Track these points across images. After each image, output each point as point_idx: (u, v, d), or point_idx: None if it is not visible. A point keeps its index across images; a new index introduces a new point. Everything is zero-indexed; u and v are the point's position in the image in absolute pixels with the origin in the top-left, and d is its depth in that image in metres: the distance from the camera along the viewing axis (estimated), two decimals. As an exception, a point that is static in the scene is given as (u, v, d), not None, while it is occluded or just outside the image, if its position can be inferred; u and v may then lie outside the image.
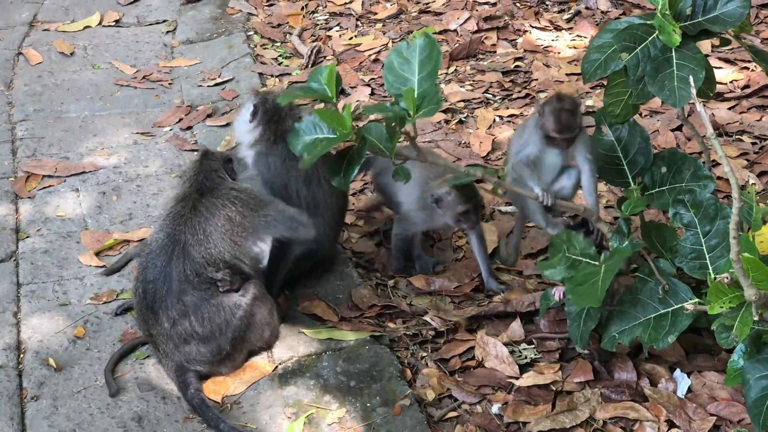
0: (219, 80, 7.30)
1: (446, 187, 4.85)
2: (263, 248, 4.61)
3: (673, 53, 4.21)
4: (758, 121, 6.29)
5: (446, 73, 7.09)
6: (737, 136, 6.15)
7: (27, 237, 5.55)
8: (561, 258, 4.32)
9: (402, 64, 4.26)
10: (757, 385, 3.65)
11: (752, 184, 4.02)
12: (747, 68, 6.79)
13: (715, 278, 4.04)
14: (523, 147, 4.68)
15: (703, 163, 4.53)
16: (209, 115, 6.83)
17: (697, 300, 4.07)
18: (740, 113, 6.38)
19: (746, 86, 6.61)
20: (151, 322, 4.46)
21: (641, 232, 4.48)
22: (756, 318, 3.35)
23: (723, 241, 4.15)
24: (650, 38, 4.27)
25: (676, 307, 4.17)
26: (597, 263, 4.30)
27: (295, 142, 4.20)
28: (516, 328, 4.74)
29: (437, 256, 5.41)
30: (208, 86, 7.25)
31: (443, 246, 5.50)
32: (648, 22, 4.31)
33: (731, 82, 6.63)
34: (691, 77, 3.95)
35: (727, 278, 3.33)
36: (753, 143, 6.06)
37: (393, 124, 4.09)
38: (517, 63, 7.13)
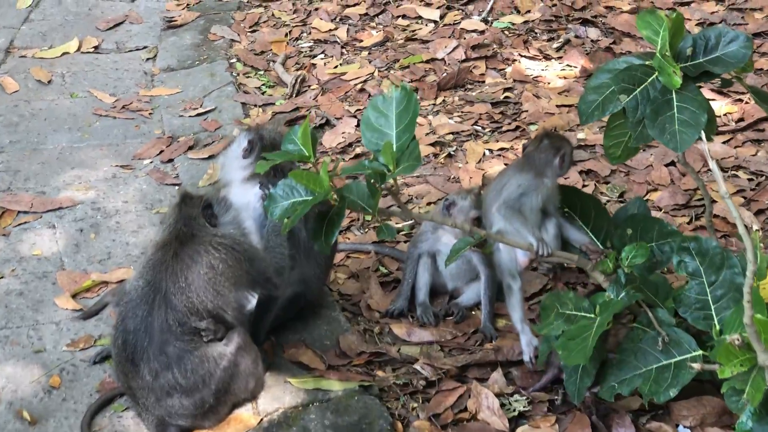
0: (201, 110, 7.12)
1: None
2: (249, 299, 4.44)
3: (674, 95, 4.07)
4: (754, 155, 6.15)
5: (434, 104, 6.93)
6: (733, 172, 6.01)
7: (1, 278, 5.34)
8: (555, 315, 4.17)
9: (379, 119, 4.17)
10: (767, 449, 3.49)
11: (756, 230, 3.86)
12: (741, 100, 6.66)
13: (720, 330, 3.91)
14: (522, 195, 4.51)
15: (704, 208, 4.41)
16: (191, 147, 6.65)
17: (701, 352, 3.92)
18: (735, 147, 6.25)
19: (741, 119, 6.48)
20: (131, 375, 4.26)
21: (640, 280, 4.34)
22: (769, 384, 3.19)
23: (729, 291, 4.01)
24: (650, 80, 4.13)
25: (679, 358, 4.02)
26: (592, 315, 4.16)
27: (272, 209, 4.06)
28: (498, 378, 4.57)
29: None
30: (190, 116, 7.07)
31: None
32: (647, 63, 4.16)
33: (725, 114, 6.49)
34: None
35: (738, 340, 3.17)
36: (749, 179, 5.92)
37: (373, 181, 3.95)
38: (507, 93, 6.98)
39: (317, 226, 4.06)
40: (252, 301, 4.58)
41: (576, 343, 4.00)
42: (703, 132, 3.74)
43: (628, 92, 4.12)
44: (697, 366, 3.48)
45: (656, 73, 4.10)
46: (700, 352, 3.98)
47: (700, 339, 4.04)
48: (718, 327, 3.96)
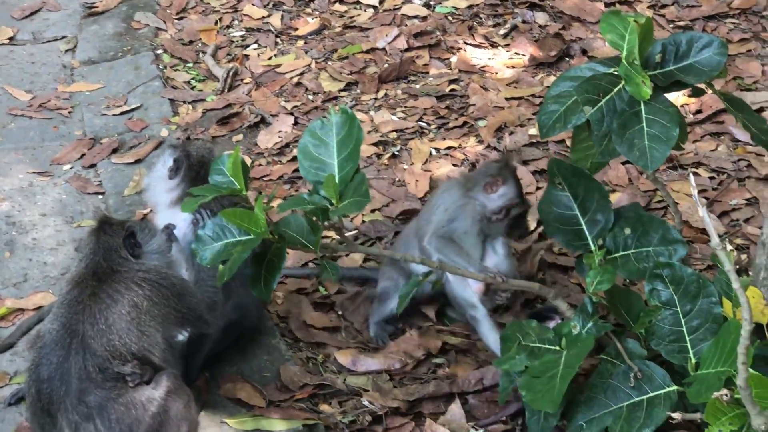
0: (125, 108, 6.60)
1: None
2: (179, 336, 4.03)
3: (642, 107, 3.73)
4: (714, 151, 5.83)
5: (375, 99, 6.50)
6: (693, 169, 5.69)
7: None
8: (517, 348, 3.80)
9: (318, 147, 3.81)
10: (756, 507, 3.16)
11: (730, 249, 3.53)
12: (702, 89, 6.30)
13: (697, 364, 3.60)
14: (451, 221, 4.12)
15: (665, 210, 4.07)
16: (115, 150, 6.16)
17: (676, 388, 3.61)
18: (694, 142, 5.92)
19: (699, 111, 6.14)
20: (48, 428, 3.83)
21: (606, 299, 3.99)
22: (766, 450, 2.86)
23: (706, 322, 3.70)
24: (616, 89, 3.79)
25: (652, 394, 3.71)
26: (558, 348, 3.82)
27: (201, 253, 3.64)
28: (456, 410, 4.21)
29: None
30: (113, 115, 6.55)
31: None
32: (613, 71, 3.80)
33: (682, 106, 6.14)
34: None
35: (726, 395, 2.82)
36: (711, 178, 5.61)
37: (314, 217, 3.54)
38: (453, 86, 6.56)
39: (255, 272, 3.65)
40: (183, 335, 4.16)
41: (541, 383, 3.65)
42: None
43: (593, 103, 3.77)
44: (677, 416, 3.14)
45: (623, 83, 3.75)
46: (675, 387, 3.67)
47: (673, 372, 3.72)
48: (694, 361, 3.65)
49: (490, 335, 4.33)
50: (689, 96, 4.04)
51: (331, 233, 4.27)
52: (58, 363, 3.80)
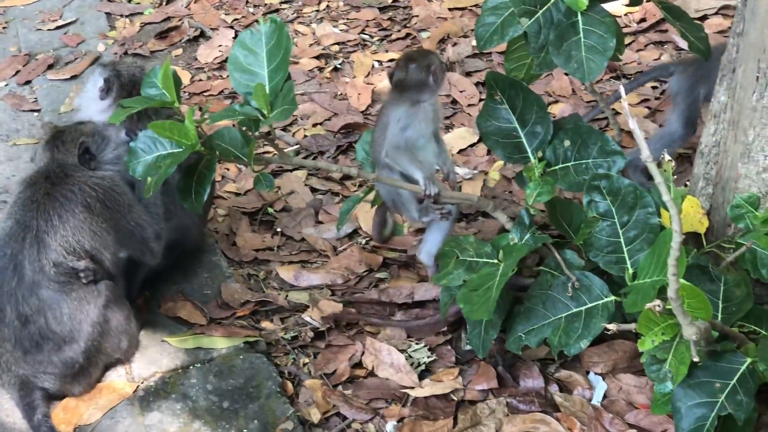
0: (61, 22, 6.47)
1: None
2: (121, 255, 4.03)
3: (579, 18, 3.67)
4: (657, 60, 5.80)
5: (317, 11, 6.40)
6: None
7: None
8: (455, 263, 3.79)
9: (248, 57, 3.75)
10: (690, 415, 3.19)
11: (668, 160, 3.51)
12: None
13: (634, 275, 3.61)
14: (404, 129, 4.04)
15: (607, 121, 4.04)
16: (51, 66, 6.04)
17: (613, 298, 3.63)
18: (637, 51, 5.89)
19: (642, 20, 6.11)
20: (-5, 319, 3.82)
21: (547, 211, 3.99)
22: (696, 359, 2.88)
23: (643, 232, 3.68)
24: (553, 0, 3.70)
25: (590, 305, 3.71)
26: (495, 261, 3.81)
27: (133, 165, 3.58)
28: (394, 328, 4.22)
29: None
30: (49, 30, 6.41)
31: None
32: (550, -19, 3.74)
33: (626, 15, 6.11)
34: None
35: (659, 306, 2.84)
36: (653, 87, 5.59)
37: (245, 128, 3.48)
38: (396, -3, 6.48)
39: (185, 183, 3.61)
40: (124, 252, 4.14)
41: (479, 296, 3.64)
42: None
43: (530, 15, 3.71)
44: (613, 327, 3.15)
45: (560, -7, 3.68)
46: (613, 298, 3.67)
47: (612, 283, 3.73)
48: (631, 271, 3.65)
49: (412, 209, 4.25)
50: (628, 5, 3.98)
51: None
52: (11, 255, 3.82)
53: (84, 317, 3.85)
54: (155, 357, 4.09)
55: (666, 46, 5.94)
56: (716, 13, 6.06)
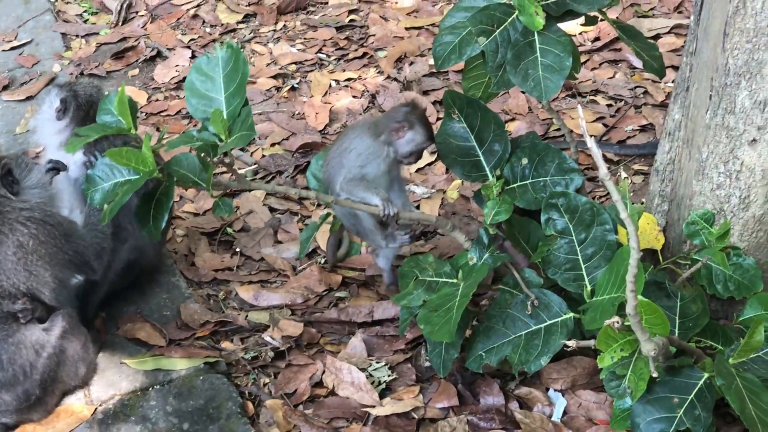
0: (15, 43, 6.43)
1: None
2: (74, 280, 3.97)
3: (536, 37, 3.71)
4: (611, 78, 5.87)
5: (274, 30, 6.41)
6: (591, 97, 5.73)
7: None
8: (415, 283, 3.81)
9: (205, 82, 3.74)
10: (649, 430, 3.23)
11: (624, 177, 3.56)
12: (595, 16, 6.33)
13: (592, 291, 3.64)
14: (363, 167, 4.06)
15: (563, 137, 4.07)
16: (5, 87, 6.01)
17: (572, 315, 3.66)
18: (592, 69, 5.95)
19: (597, 38, 6.18)
20: (-64, 372, 3.75)
21: (506, 229, 4.02)
22: (654, 375, 2.91)
23: (600, 250, 3.72)
24: (510, 20, 3.76)
25: (549, 322, 3.74)
26: (455, 281, 3.83)
27: (91, 193, 3.56)
28: (357, 344, 4.21)
29: None
30: (3, 51, 6.37)
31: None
32: (507, 2, 3.78)
33: (580, 34, 6.17)
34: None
35: (617, 323, 2.87)
36: (608, 105, 5.65)
37: (203, 154, 3.48)
38: (352, 16, 6.49)
39: (143, 210, 3.59)
40: (77, 277, 4.09)
41: (439, 316, 3.65)
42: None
43: (487, 34, 3.74)
44: (572, 344, 3.18)
45: (516, 13, 3.72)
46: (571, 315, 3.71)
47: (571, 300, 3.77)
48: (589, 288, 3.69)
49: (377, 235, 4.27)
50: (584, 25, 4.02)
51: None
52: None
53: (25, 360, 3.80)
54: (114, 379, 4.06)
55: (620, 65, 6.01)
56: (669, 32, 6.14)
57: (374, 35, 6.29)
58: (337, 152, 4.08)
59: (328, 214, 4.16)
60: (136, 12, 6.69)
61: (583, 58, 6.02)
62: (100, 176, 3.61)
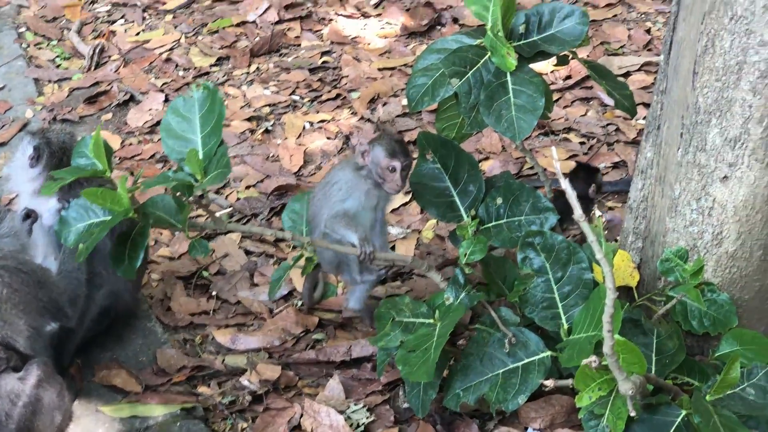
0: (-13, 89, 6.41)
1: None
2: (47, 324, 3.94)
3: (509, 78, 3.75)
4: (584, 116, 5.92)
5: (247, 73, 6.43)
6: (564, 135, 5.77)
7: None
8: (392, 324, 3.81)
9: (181, 123, 3.77)
10: (627, 472, 3.23)
11: (599, 216, 3.58)
12: (566, 56, 6.39)
13: (569, 330, 3.65)
14: (344, 201, 4.07)
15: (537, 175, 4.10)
16: (-22, 133, 5.97)
17: (549, 353, 3.67)
18: (564, 107, 6.00)
19: (568, 77, 6.23)
20: None
21: (482, 269, 4.03)
22: (633, 414, 2.91)
23: (576, 288, 3.74)
24: (482, 61, 3.80)
25: (526, 361, 3.75)
26: (432, 321, 3.83)
27: (65, 234, 3.55)
28: (335, 386, 4.20)
29: None
30: (-25, 97, 6.35)
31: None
32: (479, 43, 3.81)
33: (552, 72, 6.23)
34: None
35: (595, 362, 2.87)
36: (581, 143, 5.69)
37: (179, 194, 3.49)
38: (325, 58, 6.52)
39: (118, 250, 3.58)
40: (52, 325, 4.06)
41: (417, 357, 3.65)
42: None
43: (460, 75, 3.78)
44: (550, 383, 3.18)
45: (489, 54, 3.76)
46: (549, 353, 3.72)
47: (548, 338, 3.77)
48: (566, 326, 3.71)
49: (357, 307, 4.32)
50: (555, 65, 4.06)
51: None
52: None
53: (6, 404, 3.76)
54: (90, 427, 4.04)
55: (592, 102, 6.05)
56: (639, 69, 6.20)
57: (347, 76, 6.31)
58: (321, 187, 4.11)
59: (300, 256, 4.16)
60: (109, 56, 6.69)
61: (555, 96, 6.07)
62: (74, 217, 3.60)
